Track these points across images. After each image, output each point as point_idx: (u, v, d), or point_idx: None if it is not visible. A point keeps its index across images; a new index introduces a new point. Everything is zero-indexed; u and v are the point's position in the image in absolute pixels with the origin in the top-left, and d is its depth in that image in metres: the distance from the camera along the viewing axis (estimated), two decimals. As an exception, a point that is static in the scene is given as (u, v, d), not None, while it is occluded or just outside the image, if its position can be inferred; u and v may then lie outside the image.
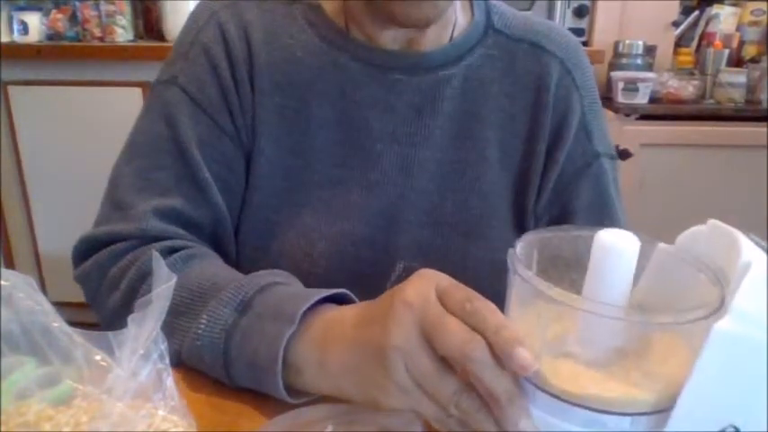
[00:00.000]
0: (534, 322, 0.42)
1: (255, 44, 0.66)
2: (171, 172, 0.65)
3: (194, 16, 0.70)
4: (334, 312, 0.50)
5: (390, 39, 0.67)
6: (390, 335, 0.41)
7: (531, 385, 0.40)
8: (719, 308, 0.37)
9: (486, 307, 0.40)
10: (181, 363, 0.54)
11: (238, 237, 0.69)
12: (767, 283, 0.37)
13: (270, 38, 0.67)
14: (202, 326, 0.52)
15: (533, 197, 0.71)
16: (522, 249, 0.43)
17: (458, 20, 0.69)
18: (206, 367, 0.53)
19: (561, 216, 0.72)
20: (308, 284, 0.56)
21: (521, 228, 0.71)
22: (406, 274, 0.65)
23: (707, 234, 0.44)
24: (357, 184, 0.67)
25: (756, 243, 0.40)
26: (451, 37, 0.69)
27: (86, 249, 0.65)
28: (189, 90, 0.66)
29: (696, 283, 0.42)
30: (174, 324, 0.54)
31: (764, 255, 0.39)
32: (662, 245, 0.45)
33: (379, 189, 0.68)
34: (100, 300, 0.63)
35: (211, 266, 0.60)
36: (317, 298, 0.51)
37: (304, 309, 0.49)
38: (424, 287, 0.42)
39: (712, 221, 0.44)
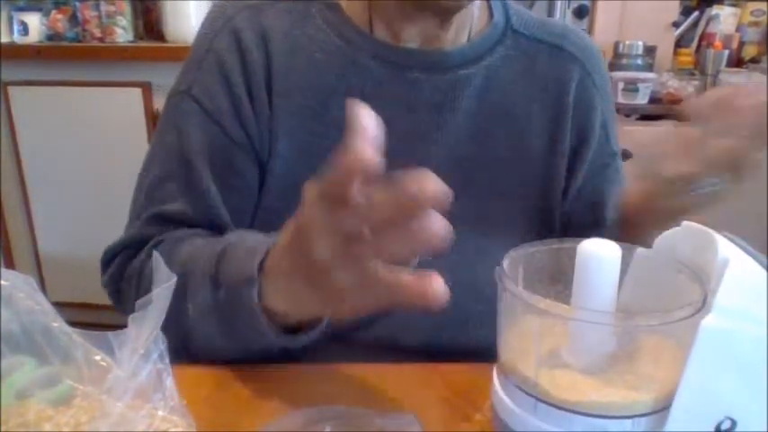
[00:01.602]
0: (527, 337, 0.43)
1: (273, 48, 0.66)
2: (177, 181, 0.66)
3: (209, 21, 0.69)
4: (271, 255, 0.51)
5: (414, 34, 0.67)
6: (303, 246, 0.44)
7: (531, 398, 0.41)
8: (703, 305, 0.38)
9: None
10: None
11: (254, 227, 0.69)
12: (747, 278, 0.38)
13: (288, 41, 0.67)
14: (190, 313, 0.56)
15: (559, 197, 0.72)
16: (508, 266, 0.44)
17: (475, 21, 0.70)
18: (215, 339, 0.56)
19: (589, 213, 0.73)
20: None
21: (546, 228, 0.72)
22: (420, 266, 0.66)
23: (682, 235, 0.45)
24: None
25: (730, 240, 0.41)
26: (469, 38, 0.70)
27: (107, 260, 0.69)
28: (201, 100, 0.66)
29: (677, 283, 0.43)
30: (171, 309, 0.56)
31: (740, 251, 0.40)
32: (640, 249, 0.46)
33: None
34: (123, 306, 0.67)
35: (188, 246, 0.62)
36: (261, 257, 0.51)
37: (257, 265, 0.51)
38: (308, 201, 0.44)
39: (686, 222, 0.45)
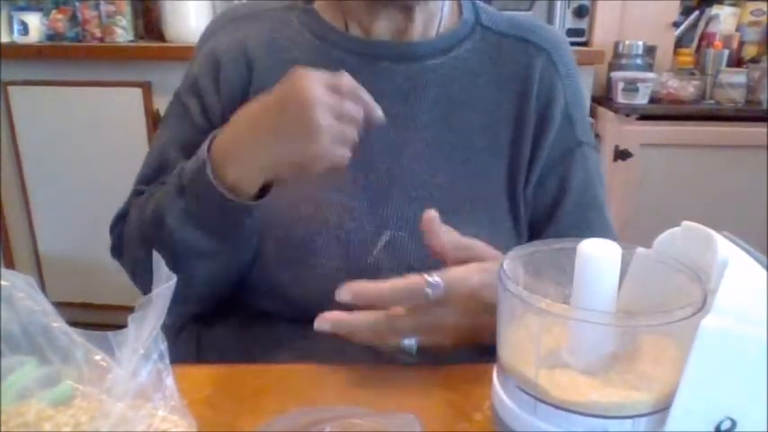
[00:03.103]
0: (527, 337, 0.43)
1: (254, 54, 0.73)
2: (154, 165, 0.75)
3: (202, 35, 0.79)
4: (227, 127, 0.63)
5: (384, 29, 0.73)
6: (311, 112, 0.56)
7: (531, 398, 0.41)
8: (703, 305, 0.38)
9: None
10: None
11: None
12: (747, 278, 0.39)
13: (269, 45, 0.74)
14: (172, 226, 0.64)
15: (522, 183, 0.74)
16: (508, 266, 0.44)
17: (443, 18, 0.75)
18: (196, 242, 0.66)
19: (550, 200, 0.75)
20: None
21: (514, 213, 0.74)
22: (393, 243, 0.68)
23: (682, 235, 0.46)
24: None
25: (731, 240, 0.41)
26: (437, 33, 0.75)
27: (111, 231, 0.78)
28: (183, 101, 0.76)
29: (677, 283, 0.43)
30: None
31: (740, 251, 0.40)
32: (640, 249, 0.46)
33: (367, 167, 0.71)
34: (131, 276, 0.75)
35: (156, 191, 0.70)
36: (208, 142, 0.62)
37: (206, 148, 0.62)
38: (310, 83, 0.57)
39: (686, 222, 0.45)
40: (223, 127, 0.64)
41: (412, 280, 0.54)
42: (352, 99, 0.58)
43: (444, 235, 0.57)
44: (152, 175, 0.75)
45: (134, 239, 0.70)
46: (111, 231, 0.78)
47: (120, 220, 0.77)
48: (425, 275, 0.54)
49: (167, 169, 0.73)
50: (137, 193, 0.76)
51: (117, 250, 0.77)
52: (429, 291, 0.53)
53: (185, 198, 0.63)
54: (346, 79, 0.58)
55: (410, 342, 0.55)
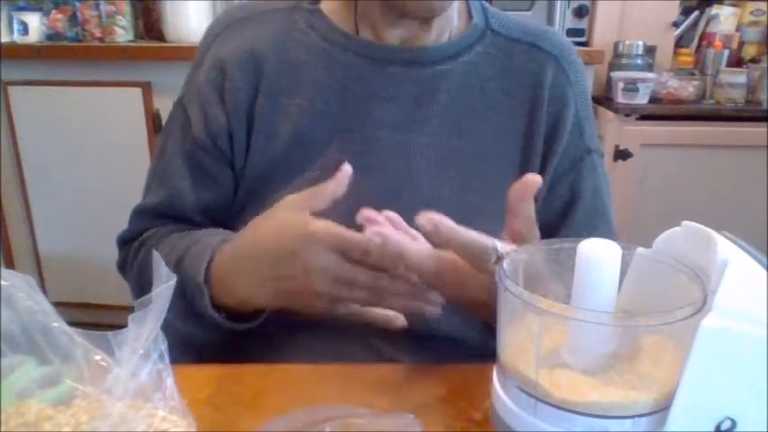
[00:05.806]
0: (527, 337, 0.43)
1: (262, 59, 0.71)
2: (157, 178, 0.76)
3: (203, 38, 0.76)
4: (222, 259, 0.62)
5: (397, 35, 0.72)
6: (312, 280, 0.55)
7: (531, 398, 0.41)
8: (703, 305, 0.38)
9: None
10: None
11: (232, 212, 0.75)
12: (747, 278, 0.39)
13: (275, 47, 0.72)
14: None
15: None
16: (509, 266, 0.44)
17: (455, 22, 0.74)
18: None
19: (560, 208, 0.75)
20: None
21: None
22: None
23: (682, 235, 0.46)
24: (352, 168, 0.69)
25: (730, 240, 0.41)
26: (449, 38, 0.74)
27: (119, 247, 0.79)
28: (186, 109, 0.74)
29: (677, 283, 0.43)
30: None
31: (740, 251, 0.40)
32: (640, 249, 0.46)
33: (374, 173, 0.71)
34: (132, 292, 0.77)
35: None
36: (204, 266, 0.62)
37: (202, 277, 0.62)
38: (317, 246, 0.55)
39: (686, 223, 0.45)
40: (222, 246, 0.63)
41: (487, 242, 0.51)
42: (368, 261, 0.54)
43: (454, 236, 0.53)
44: (154, 187, 0.75)
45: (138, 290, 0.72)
46: (118, 246, 0.78)
47: (124, 243, 0.77)
48: (497, 243, 0.51)
49: (174, 194, 0.73)
50: (143, 213, 0.75)
51: (122, 270, 0.78)
52: (492, 260, 0.51)
53: (186, 300, 0.64)
54: (362, 242, 0.53)
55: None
